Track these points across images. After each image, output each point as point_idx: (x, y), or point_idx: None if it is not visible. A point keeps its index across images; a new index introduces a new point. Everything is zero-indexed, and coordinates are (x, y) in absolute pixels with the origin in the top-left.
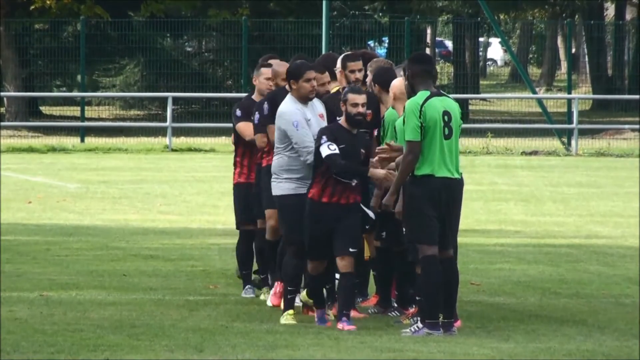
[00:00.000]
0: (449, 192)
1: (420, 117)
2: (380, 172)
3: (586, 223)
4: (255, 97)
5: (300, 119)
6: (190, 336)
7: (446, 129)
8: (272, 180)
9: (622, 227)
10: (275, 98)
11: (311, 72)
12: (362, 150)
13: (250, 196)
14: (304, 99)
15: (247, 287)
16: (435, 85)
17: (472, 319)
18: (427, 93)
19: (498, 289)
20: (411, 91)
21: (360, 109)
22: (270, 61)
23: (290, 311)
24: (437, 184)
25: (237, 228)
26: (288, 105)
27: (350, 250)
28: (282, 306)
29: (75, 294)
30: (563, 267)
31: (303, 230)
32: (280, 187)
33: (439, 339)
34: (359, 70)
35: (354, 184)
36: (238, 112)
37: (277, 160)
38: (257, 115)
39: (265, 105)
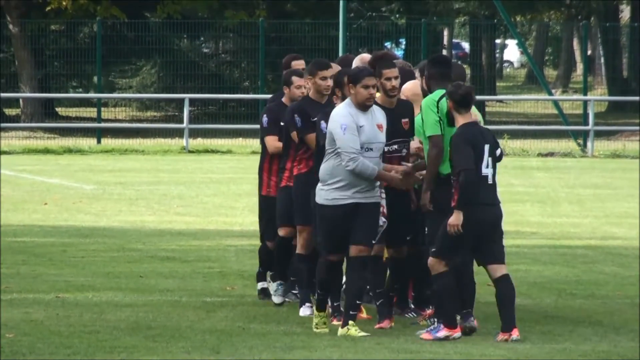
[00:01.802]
0: None
1: (438, 112)
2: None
3: (602, 224)
4: (286, 100)
5: (349, 122)
6: (207, 338)
7: None
8: (318, 185)
9: (637, 229)
10: (303, 108)
11: (371, 78)
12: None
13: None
14: (361, 106)
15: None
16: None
17: (488, 320)
18: (443, 91)
19: None
20: (428, 91)
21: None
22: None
23: (322, 313)
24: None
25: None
26: (342, 109)
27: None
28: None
29: (91, 295)
30: (579, 268)
31: (339, 242)
32: (321, 194)
33: (455, 340)
34: (395, 78)
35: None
36: (265, 121)
37: (325, 164)
38: (297, 118)
39: (297, 117)
